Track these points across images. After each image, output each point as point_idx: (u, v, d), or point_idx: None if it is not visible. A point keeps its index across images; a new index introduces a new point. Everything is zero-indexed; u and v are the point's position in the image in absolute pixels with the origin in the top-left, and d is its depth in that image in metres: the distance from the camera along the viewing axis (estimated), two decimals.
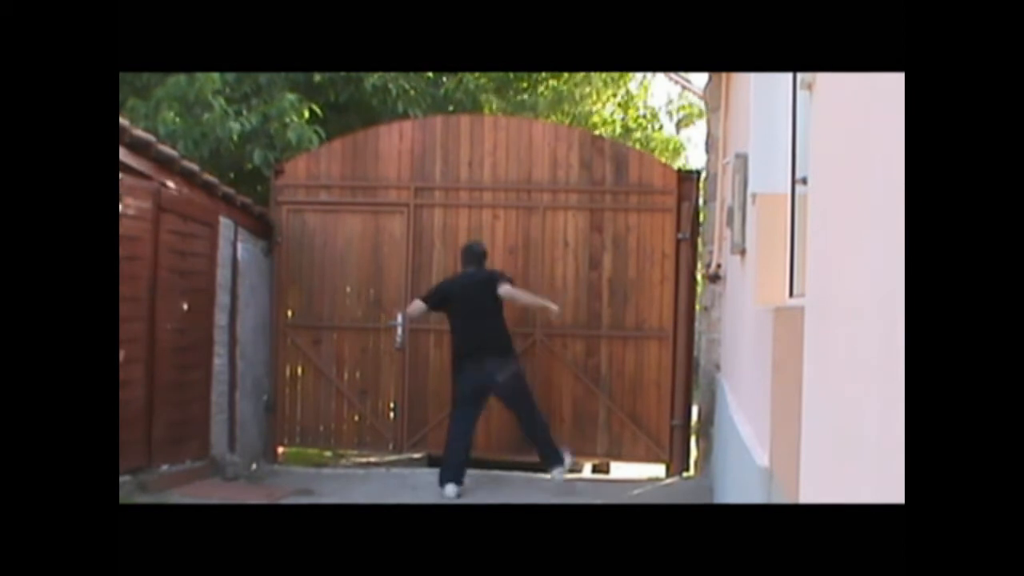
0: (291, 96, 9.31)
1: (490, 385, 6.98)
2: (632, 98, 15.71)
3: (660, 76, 15.54)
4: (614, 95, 15.20)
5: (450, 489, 6.75)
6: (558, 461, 7.10)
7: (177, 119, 8.81)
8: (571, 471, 7.37)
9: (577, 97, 14.01)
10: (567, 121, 13.45)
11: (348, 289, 8.23)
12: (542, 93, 13.41)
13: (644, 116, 15.99)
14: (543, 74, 13.20)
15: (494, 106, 11.96)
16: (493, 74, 12.39)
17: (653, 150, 15.42)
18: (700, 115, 14.59)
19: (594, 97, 14.49)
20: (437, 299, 7.19)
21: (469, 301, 7.03)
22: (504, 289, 7.01)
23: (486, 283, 7.06)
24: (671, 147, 15.76)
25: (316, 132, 9.27)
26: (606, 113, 15.38)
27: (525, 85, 13.28)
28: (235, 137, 8.90)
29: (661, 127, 15.87)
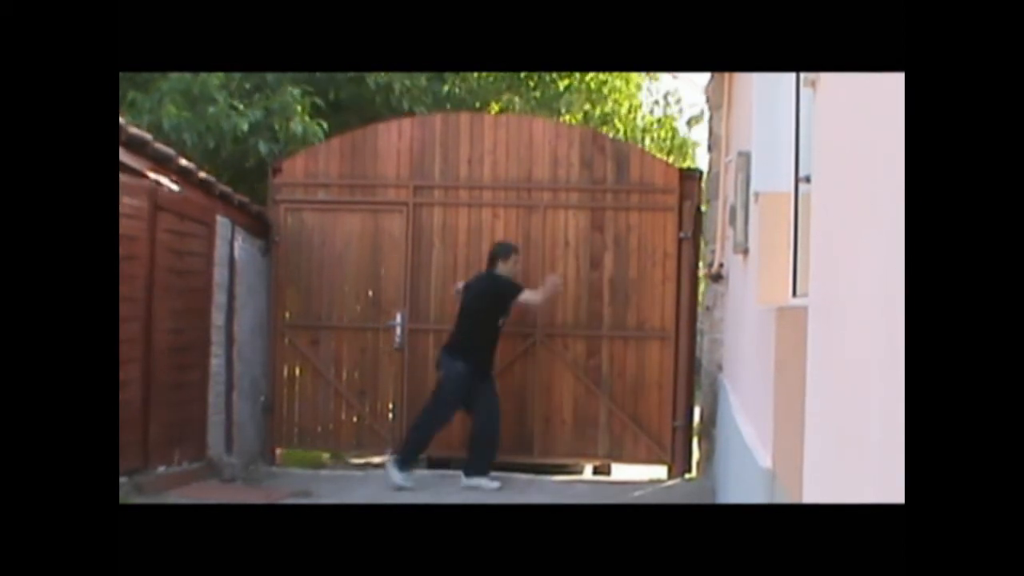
0: (294, 90, 9.28)
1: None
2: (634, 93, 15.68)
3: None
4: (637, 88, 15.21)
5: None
6: (401, 467, 7.15)
7: (183, 113, 8.78)
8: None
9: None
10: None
11: (346, 289, 8.20)
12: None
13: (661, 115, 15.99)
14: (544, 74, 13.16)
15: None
16: (495, 74, 12.36)
17: (669, 151, 15.37)
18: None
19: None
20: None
21: (466, 303, 7.35)
22: (524, 296, 7.26)
23: (485, 292, 7.27)
24: (680, 147, 15.67)
25: (320, 125, 9.26)
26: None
27: (533, 85, 13.22)
28: (239, 132, 8.88)
29: (675, 129, 15.82)
